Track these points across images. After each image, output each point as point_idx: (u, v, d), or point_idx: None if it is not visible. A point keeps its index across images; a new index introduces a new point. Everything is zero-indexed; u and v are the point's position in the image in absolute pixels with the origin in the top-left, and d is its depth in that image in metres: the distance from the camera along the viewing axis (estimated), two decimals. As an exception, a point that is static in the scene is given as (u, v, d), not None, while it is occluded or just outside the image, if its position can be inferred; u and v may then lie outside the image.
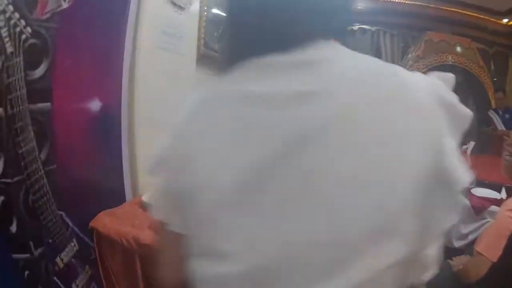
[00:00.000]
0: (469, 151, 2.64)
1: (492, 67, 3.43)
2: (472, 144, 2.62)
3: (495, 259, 1.15)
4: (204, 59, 2.01)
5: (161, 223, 0.34)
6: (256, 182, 0.27)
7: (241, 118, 0.29)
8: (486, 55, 3.39)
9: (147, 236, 1.06)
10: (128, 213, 1.26)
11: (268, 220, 0.27)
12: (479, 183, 1.94)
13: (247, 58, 0.30)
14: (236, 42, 0.33)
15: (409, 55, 3.47)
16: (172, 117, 0.36)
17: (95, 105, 1.24)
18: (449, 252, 1.77)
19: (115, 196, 1.39)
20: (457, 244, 1.78)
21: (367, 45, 3.80)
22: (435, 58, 3.27)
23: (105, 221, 1.19)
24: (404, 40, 3.78)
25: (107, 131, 1.33)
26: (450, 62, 3.23)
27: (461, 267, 1.39)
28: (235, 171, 0.28)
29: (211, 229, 0.29)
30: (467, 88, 3.28)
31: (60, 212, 1.02)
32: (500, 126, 3.11)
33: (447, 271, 1.41)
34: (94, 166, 1.28)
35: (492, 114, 3.23)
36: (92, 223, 1.18)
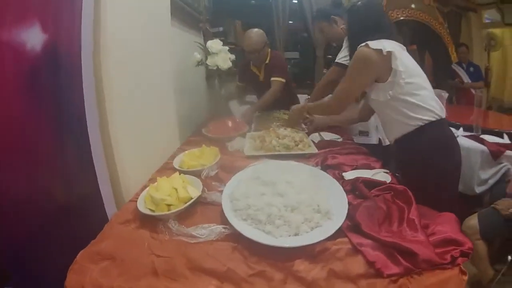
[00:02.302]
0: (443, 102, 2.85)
1: (446, 25, 3.83)
2: (446, 94, 2.81)
3: None
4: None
5: None
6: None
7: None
8: (441, 13, 3.74)
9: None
10: (128, 241, 0.74)
11: None
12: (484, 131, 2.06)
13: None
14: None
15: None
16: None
17: (35, 37, 0.66)
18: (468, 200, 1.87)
19: (89, 214, 0.83)
20: (479, 190, 1.88)
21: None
22: (398, 13, 3.42)
23: (94, 274, 0.64)
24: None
25: (59, 89, 0.74)
26: (412, 18, 3.48)
27: (511, 210, 1.43)
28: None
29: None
30: (426, 43, 3.61)
31: None
32: (466, 79, 3.46)
33: (496, 216, 1.47)
34: (43, 167, 0.70)
35: (456, 67, 3.54)
36: (68, 283, 0.63)
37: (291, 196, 0.79)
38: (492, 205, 1.55)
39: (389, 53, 1.05)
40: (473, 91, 3.39)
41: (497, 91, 3.95)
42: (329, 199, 0.83)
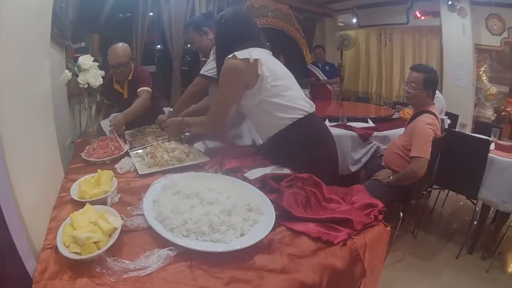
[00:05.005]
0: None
1: (301, 30, 4.73)
2: (307, 91, 3.46)
3: (429, 157, 1.85)
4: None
5: None
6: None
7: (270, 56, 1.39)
8: (297, 20, 4.63)
9: None
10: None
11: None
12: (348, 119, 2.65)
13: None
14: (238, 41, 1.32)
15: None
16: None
17: None
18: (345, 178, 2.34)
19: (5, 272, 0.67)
20: (354, 169, 2.40)
21: (183, 10, 3.95)
22: (256, 21, 3.99)
23: None
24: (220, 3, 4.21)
25: None
26: (269, 25, 4.12)
27: (391, 177, 1.93)
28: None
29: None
30: (281, 47, 4.31)
31: None
32: (322, 77, 4.24)
33: (379, 185, 1.94)
34: None
35: (311, 67, 4.33)
36: None
37: (223, 202, 0.84)
38: (373, 177, 2.01)
39: (256, 60, 1.22)
40: (329, 86, 4.22)
41: (352, 84, 5.14)
42: (252, 197, 0.92)
